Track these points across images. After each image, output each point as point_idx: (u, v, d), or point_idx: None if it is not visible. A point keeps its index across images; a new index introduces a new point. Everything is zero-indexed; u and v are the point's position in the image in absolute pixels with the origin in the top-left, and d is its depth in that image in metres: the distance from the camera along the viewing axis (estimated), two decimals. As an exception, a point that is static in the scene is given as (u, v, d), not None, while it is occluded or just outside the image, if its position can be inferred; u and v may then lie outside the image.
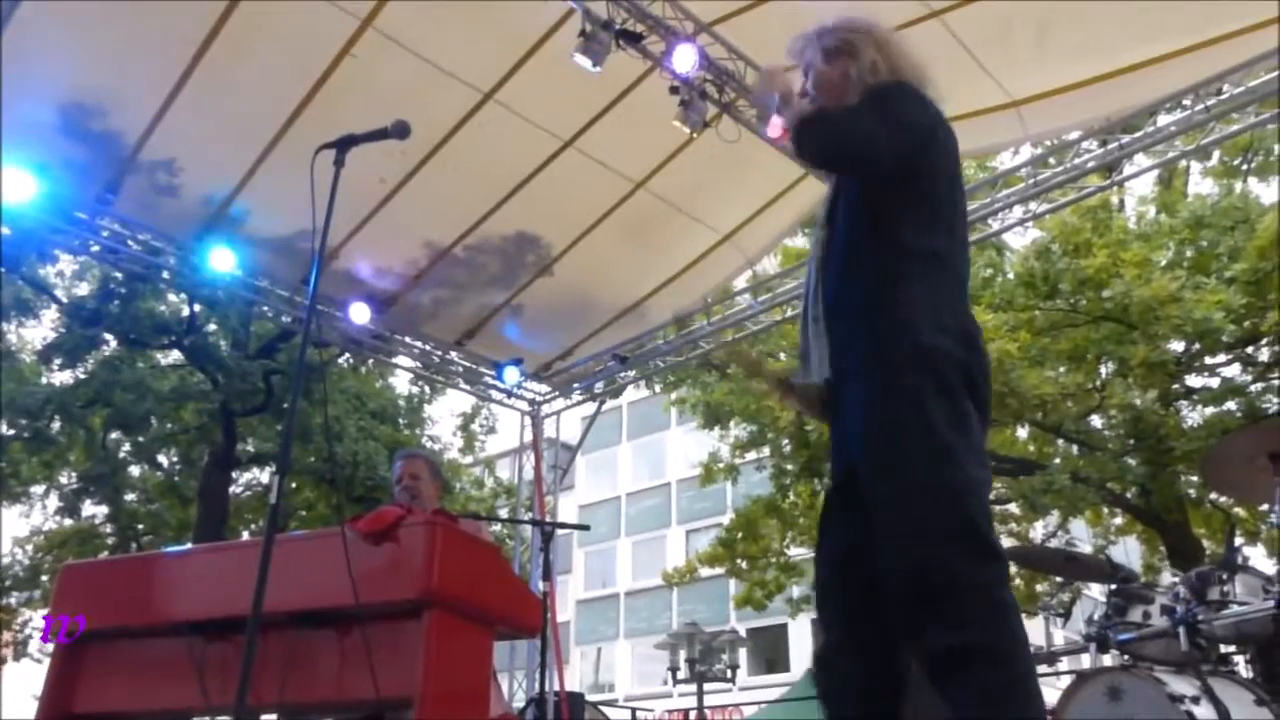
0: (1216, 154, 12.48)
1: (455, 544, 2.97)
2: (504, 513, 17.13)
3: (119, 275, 12.79)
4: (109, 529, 17.46)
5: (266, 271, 7.50)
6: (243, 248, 7.06)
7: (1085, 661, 3.70)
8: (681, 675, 14.32)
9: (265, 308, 7.96)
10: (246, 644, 2.34)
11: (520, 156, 6.90)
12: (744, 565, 15.76)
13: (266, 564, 2.43)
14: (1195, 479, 11.08)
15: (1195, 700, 3.11)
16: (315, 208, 2.71)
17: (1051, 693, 3.34)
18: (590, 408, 9.99)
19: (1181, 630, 3.39)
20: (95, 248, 7.10)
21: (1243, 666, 3.74)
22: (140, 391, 13.93)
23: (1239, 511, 12.99)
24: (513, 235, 7.58)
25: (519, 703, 7.93)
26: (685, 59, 5.76)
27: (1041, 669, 3.52)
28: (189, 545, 12.21)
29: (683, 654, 14.28)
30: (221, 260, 6.99)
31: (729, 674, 14.93)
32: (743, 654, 16.79)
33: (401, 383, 17.76)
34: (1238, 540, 12.78)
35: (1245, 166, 13.02)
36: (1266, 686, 3.36)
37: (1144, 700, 3.19)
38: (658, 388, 16.73)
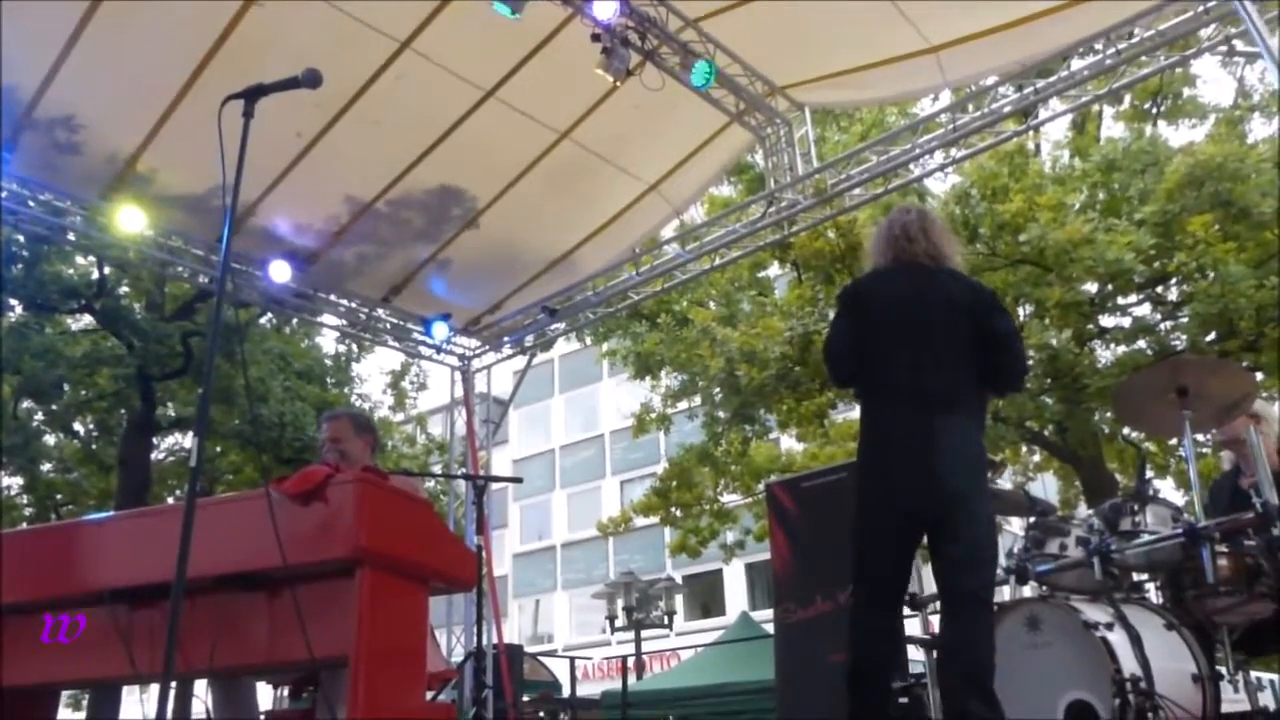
0: (1128, 98, 12.78)
1: (385, 500, 2.94)
2: (437, 469, 17.05)
3: (20, 238, 12.26)
4: (26, 500, 16.91)
5: (179, 230, 7.25)
6: (152, 206, 6.81)
7: (1006, 593, 3.84)
8: (619, 623, 14.55)
9: (180, 268, 7.72)
10: (171, 610, 2.29)
11: (441, 107, 6.75)
12: (678, 513, 15.94)
13: (189, 528, 2.38)
14: (1109, 415, 11.46)
15: (1109, 626, 3.25)
16: (225, 162, 2.62)
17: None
18: (521, 361, 9.93)
19: (1096, 560, 3.52)
20: (-7, 209, 6.78)
21: (1153, 593, 3.91)
22: (50, 358, 13.43)
23: (1149, 446, 13.51)
24: (436, 188, 7.44)
25: (458, 657, 7.96)
26: (606, 6, 5.68)
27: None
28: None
29: (620, 602, 14.49)
30: (131, 219, 6.74)
31: (666, 620, 15.20)
32: (679, 600, 17.07)
33: (328, 341, 17.42)
34: (1148, 473, 13.30)
35: (1155, 110, 13.36)
36: (1175, 611, 3.52)
37: (1061, 628, 3.33)
38: (588, 339, 16.69)
